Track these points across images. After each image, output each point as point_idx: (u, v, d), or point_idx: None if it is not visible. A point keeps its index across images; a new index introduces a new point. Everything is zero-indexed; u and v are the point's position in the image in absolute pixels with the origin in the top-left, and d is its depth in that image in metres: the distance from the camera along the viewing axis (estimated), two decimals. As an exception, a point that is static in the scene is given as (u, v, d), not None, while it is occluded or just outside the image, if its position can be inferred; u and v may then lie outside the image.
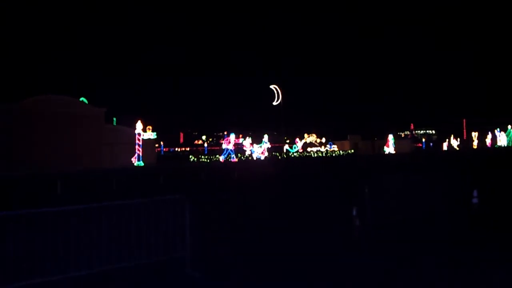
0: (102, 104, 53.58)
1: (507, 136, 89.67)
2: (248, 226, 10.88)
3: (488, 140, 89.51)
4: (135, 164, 45.39)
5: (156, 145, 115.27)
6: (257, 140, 63.77)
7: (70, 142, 45.66)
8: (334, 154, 72.65)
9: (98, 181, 25.05)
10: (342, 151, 75.81)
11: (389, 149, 72.23)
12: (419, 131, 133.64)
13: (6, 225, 5.84)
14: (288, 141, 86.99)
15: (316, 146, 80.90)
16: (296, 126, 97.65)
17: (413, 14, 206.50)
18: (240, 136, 71.76)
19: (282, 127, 75.29)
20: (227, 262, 7.73)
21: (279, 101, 72.73)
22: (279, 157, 63.13)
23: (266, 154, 59.61)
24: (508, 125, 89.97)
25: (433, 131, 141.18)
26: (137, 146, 45.81)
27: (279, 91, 72.36)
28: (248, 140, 61.91)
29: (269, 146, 60.73)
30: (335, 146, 78.83)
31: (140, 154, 45.78)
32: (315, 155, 71.25)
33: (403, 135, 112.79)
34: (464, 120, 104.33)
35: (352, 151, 76.11)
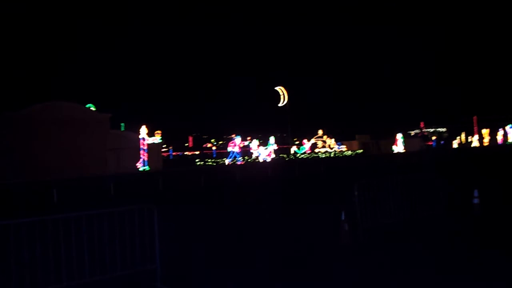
0: (111, 110, 53.72)
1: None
2: (227, 236, 10.47)
3: (499, 137, 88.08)
4: (140, 169, 45.21)
5: (165, 150, 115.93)
6: (265, 142, 63.36)
7: (75, 148, 45.66)
8: (342, 155, 71.96)
9: (92, 187, 24.88)
10: (351, 151, 75.06)
11: (398, 148, 71.32)
12: (429, 129, 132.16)
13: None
14: (297, 142, 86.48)
15: (324, 146, 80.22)
16: (303, 127, 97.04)
17: (420, 11, 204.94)
18: (248, 138, 71.42)
19: (289, 129, 74.82)
20: (200, 276, 7.35)
21: (285, 103, 72.29)
22: (287, 159, 62.64)
23: (273, 156, 59.17)
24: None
25: (444, 129, 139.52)
26: (141, 151, 45.64)
27: (284, 92, 71.93)
28: (255, 142, 61.49)
29: (276, 147, 60.24)
30: (344, 146, 78.07)
31: (145, 159, 45.59)
32: (323, 155, 70.62)
33: (412, 134, 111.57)
34: (475, 117, 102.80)
35: (361, 151, 75.30)
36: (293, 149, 72.87)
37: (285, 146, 78.53)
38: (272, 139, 59.55)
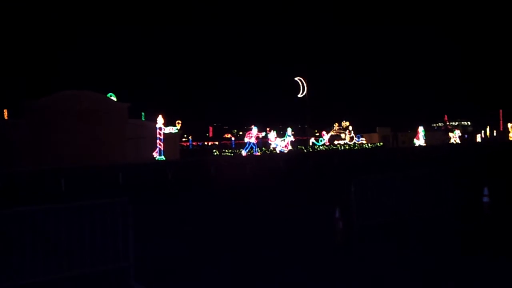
0: (133, 100, 54.01)
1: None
2: (215, 232, 10.11)
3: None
4: (156, 159, 45.43)
5: (185, 140, 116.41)
6: (283, 134, 62.94)
7: (93, 137, 46.05)
8: (362, 147, 70.97)
9: (101, 177, 24.91)
10: (371, 144, 73.99)
11: (419, 141, 69.95)
12: (453, 123, 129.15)
13: None
14: (317, 134, 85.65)
15: (343, 139, 79.19)
16: (323, 118, 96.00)
17: (446, 2, 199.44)
18: (268, 129, 71.09)
19: (308, 120, 74.08)
20: (176, 273, 7.07)
21: (304, 93, 71.52)
22: (305, 151, 62.18)
23: (290, 147, 58.75)
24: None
25: (469, 123, 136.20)
26: (158, 141, 45.79)
27: (304, 83, 71.13)
28: (273, 134, 61.24)
29: (293, 139, 59.77)
30: (363, 139, 77.02)
31: (162, 149, 45.74)
32: (342, 148, 69.78)
33: (436, 127, 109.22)
34: (501, 111, 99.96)
35: (381, 144, 74.16)
36: (312, 140, 72.19)
37: (304, 138, 77.84)
38: (289, 131, 59.11)
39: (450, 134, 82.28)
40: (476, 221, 10.59)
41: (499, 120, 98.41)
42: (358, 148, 69.58)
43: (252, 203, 14.51)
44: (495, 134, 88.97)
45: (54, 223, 5.81)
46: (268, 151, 58.42)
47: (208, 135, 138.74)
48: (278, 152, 56.65)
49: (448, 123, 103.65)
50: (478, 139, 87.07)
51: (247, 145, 54.45)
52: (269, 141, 61.17)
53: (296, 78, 71.82)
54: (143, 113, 76.75)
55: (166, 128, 47.23)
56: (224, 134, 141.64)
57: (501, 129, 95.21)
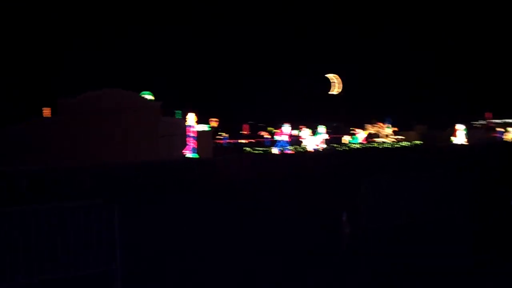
0: (170, 98, 54.85)
1: None
2: (216, 235, 9.75)
3: None
4: (188, 156, 45.81)
5: (221, 137, 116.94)
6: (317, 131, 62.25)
7: (126, 134, 46.87)
8: (399, 145, 69.19)
9: (125, 175, 25.13)
10: (409, 143, 72.06)
11: (458, 139, 67.51)
12: (497, 120, 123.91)
13: None
14: (353, 132, 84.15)
15: (381, 137, 77.44)
16: (359, 116, 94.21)
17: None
18: (301, 127, 70.45)
19: (342, 118, 72.94)
20: (165, 278, 6.84)
21: (338, 91, 70.45)
22: (340, 149, 61.35)
23: (324, 145, 58.02)
24: None
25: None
26: (189, 138, 46.14)
27: (338, 80, 70.04)
28: (306, 132, 60.69)
29: (326, 137, 58.97)
30: (401, 136, 75.19)
31: (194, 146, 46.02)
32: (380, 146, 68.28)
33: (477, 125, 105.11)
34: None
35: (419, 142, 72.13)
36: (346, 138, 70.96)
37: (338, 136, 76.68)
38: (321, 128, 58.37)
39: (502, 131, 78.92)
40: (499, 225, 9.85)
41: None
42: (395, 146, 67.90)
43: (266, 205, 14.07)
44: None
45: (36, 224, 5.70)
46: (301, 149, 57.99)
47: (244, 132, 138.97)
48: (311, 150, 56.11)
49: (490, 120, 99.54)
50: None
51: (278, 143, 54.15)
52: (301, 139, 60.73)
53: (329, 75, 70.90)
54: (179, 111, 77.69)
55: (198, 126, 47.46)
56: (259, 132, 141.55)
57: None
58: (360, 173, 15.56)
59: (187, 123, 46.35)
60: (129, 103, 48.09)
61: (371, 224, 8.43)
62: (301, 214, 11.75)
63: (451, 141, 67.82)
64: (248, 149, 59.31)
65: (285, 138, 53.05)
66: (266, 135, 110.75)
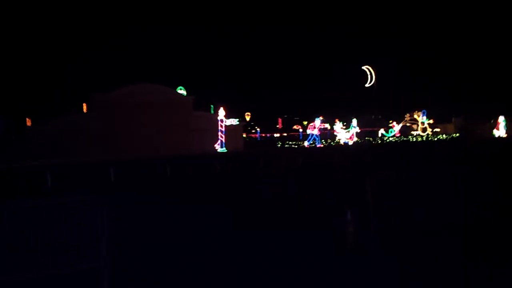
0: (203, 93, 55.37)
1: None
2: (211, 234, 9.60)
3: None
4: (218, 151, 46.06)
5: (254, 131, 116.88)
6: (349, 125, 61.19)
7: (160, 129, 47.62)
8: (435, 139, 67.13)
9: (153, 169, 25.42)
10: (446, 135, 69.82)
11: (500, 132, 64.84)
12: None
13: None
14: (391, 124, 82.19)
15: (417, 130, 75.26)
16: (394, 108, 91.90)
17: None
18: (336, 120, 69.41)
19: (376, 110, 71.39)
20: (154, 277, 6.76)
21: (372, 83, 68.96)
22: (373, 142, 60.21)
23: (355, 139, 57.02)
24: None
25: None
26: (219, 133, 46.36)
27: (372, 72, 68.53)
28: (339, 125, 59.82)
29: (358, 130, 57.92)
30: (438, 129, 72.92)
31: (223, 141, 46.25)
32: (414, 139, 66.50)
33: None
34: None
35: (457, 135, 69.74)
36: (381, 131, 69.42)
37: (373, 129, 75.15)
38: (354, 122, 57.31)
39: None
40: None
41: None
42: (430, 139, 65.92)
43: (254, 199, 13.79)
44: None
45: (21, 221, 5.74)
46: (334, 142, 57.21)
47: (278, 126, 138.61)
48: (342, 143, 55.30)
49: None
50: None
51: (309, 137, 53.65)
52: (334, 133, 59.94)
53: (364, 67, 69.47)
54: (212, 106, 78.29)
55: (227, 120, 47.59)
56: (294, 126, 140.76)
57: None
58: (374, 169, 15.07)
59: (218, 117, 46.62)
60: (162, 98, 48.85)
61: (377, 224, 8.09)
62: (306, 214, 11.46)
63: (493, 135, 65.17)
64: (280, 143, 59.08)
65: (315, 131, 52.42)
66: (300, 129, 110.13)
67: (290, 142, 58.92)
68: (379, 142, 61.65)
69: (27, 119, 69.65)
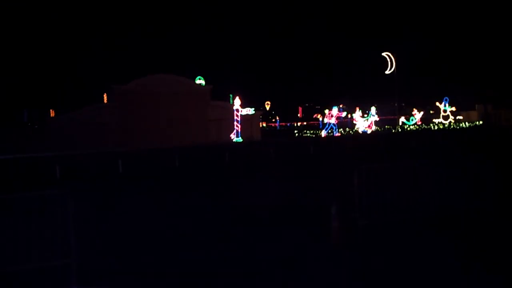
0: (223, 83, 55.37)
1: None
2: (197, 225, 9.52)
3: None
4: (234, 140, 46.09)
5: (274, 120, 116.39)
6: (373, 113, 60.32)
7: (178, 119, 47.87)
8: (458, 127, 65.68)
9: (163, 159, 25.60)
10: (468, 123, 68.21)
11: (525, 119, 63.05)
12: None
13: None
14: (414, 112, 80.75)
15: (439, 117, 73.60)
16: (415, 96, 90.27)
17: None
18: (356, 108, 68.55)
19: (397, 98, 70.12)
20: (124, 275, 6.77)
21: (392, 69, 67.68)
22: (393, 131, 59.26)
23: (374, 127, 56.23)
24: None
25: None
26: (235, 122, 46.36)
27: (392, 58, 67.23)
28: (358, 113, 59.11)
29: (377, 119, 57.05)
30: (461, 117, 71.28)
31: (239, 130, 46.23)
32: (435, 127, 65.18)
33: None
34: None
35: (480, 122, 68.10)
36: (402, 120, 68.23)
37: (394, 117, 73.94)
38: (373, 110, 56.49)
39: None
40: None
41: None
42: (453, 127, 64.54)
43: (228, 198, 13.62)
44: None
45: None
46: (352, 131, 56.49)
47: (298, 115, 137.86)
48: (361, 132, 54.62)
49: None
50: None
51: (326, 126, 53.16)
52: (354, 121, 59.25)
53: (384, 54, 68.20)
54: (231, 95, 78.16)
55: (243, 110, 47.51)
56: (314, 115, 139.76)
57: None
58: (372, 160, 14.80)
59: (234, 107, 46.60)
60: (180, 88, 49.04)
61: (364, 217, 7.94)
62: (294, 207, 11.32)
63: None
64: (298, 132, 58.72)
65: (333, 120, 51.86)
66: (320, 117, 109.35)
67: (308, 131, 58.37)
68: (399, 130, 60.63)
69: (51, 110, 71.18)
